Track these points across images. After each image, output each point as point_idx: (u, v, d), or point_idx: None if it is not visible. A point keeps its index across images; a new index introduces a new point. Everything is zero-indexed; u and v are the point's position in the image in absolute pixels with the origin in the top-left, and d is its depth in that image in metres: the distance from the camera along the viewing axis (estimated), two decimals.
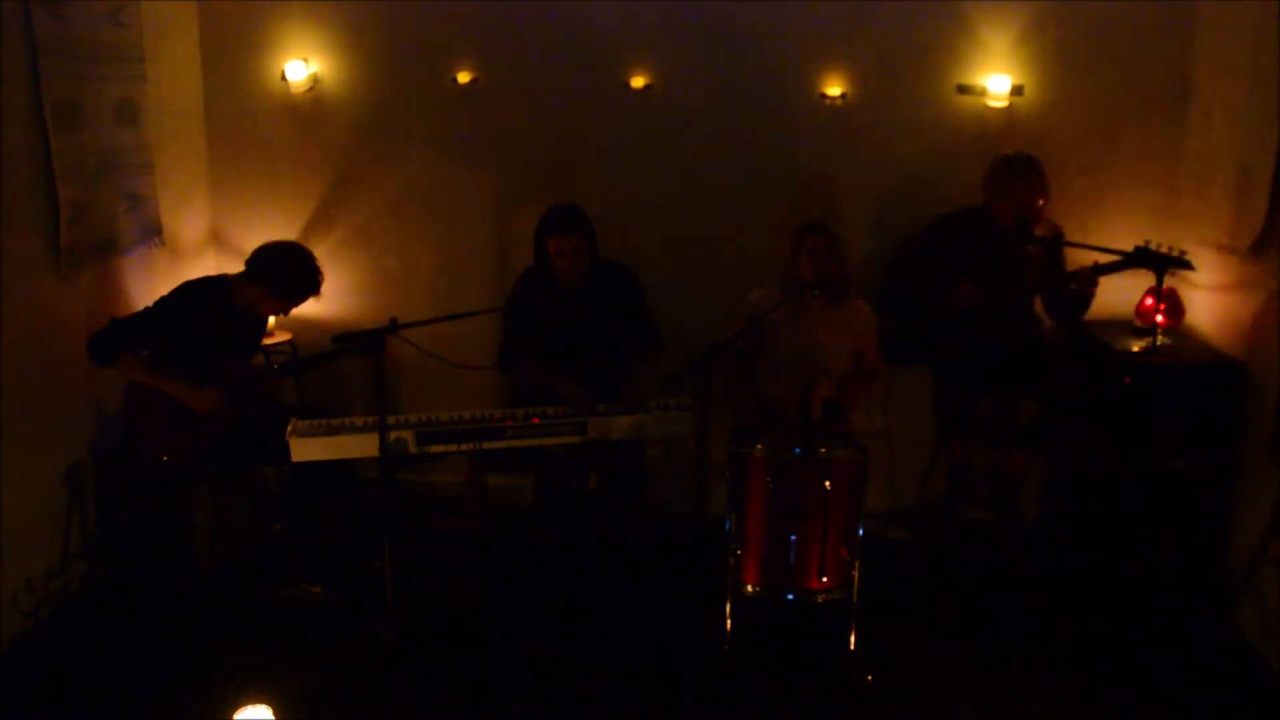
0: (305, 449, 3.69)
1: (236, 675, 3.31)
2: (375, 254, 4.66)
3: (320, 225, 4.62)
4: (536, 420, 3.76)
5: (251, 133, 4.60)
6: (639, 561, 4.05)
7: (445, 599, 3.88)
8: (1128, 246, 3.84)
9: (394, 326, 3.41)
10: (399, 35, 4.46)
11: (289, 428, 3.72)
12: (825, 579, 3.29)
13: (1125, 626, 3.72)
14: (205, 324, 3.73)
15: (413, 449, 3.70)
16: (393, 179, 4.59)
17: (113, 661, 3.47)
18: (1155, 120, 4.22)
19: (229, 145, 4.64)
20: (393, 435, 3.59)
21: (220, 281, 3.83)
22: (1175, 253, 3.76)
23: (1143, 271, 3.84)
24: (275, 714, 2.79)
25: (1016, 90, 4.22)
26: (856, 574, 3.34)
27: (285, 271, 3.80)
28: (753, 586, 3.35)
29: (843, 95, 4.32)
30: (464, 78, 4.44)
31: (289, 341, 4.52)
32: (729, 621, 3.41)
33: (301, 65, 4.46)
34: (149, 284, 4.17)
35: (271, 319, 4.26)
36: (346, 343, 3.42)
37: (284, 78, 4.48)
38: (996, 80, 4.21)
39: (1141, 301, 4.08)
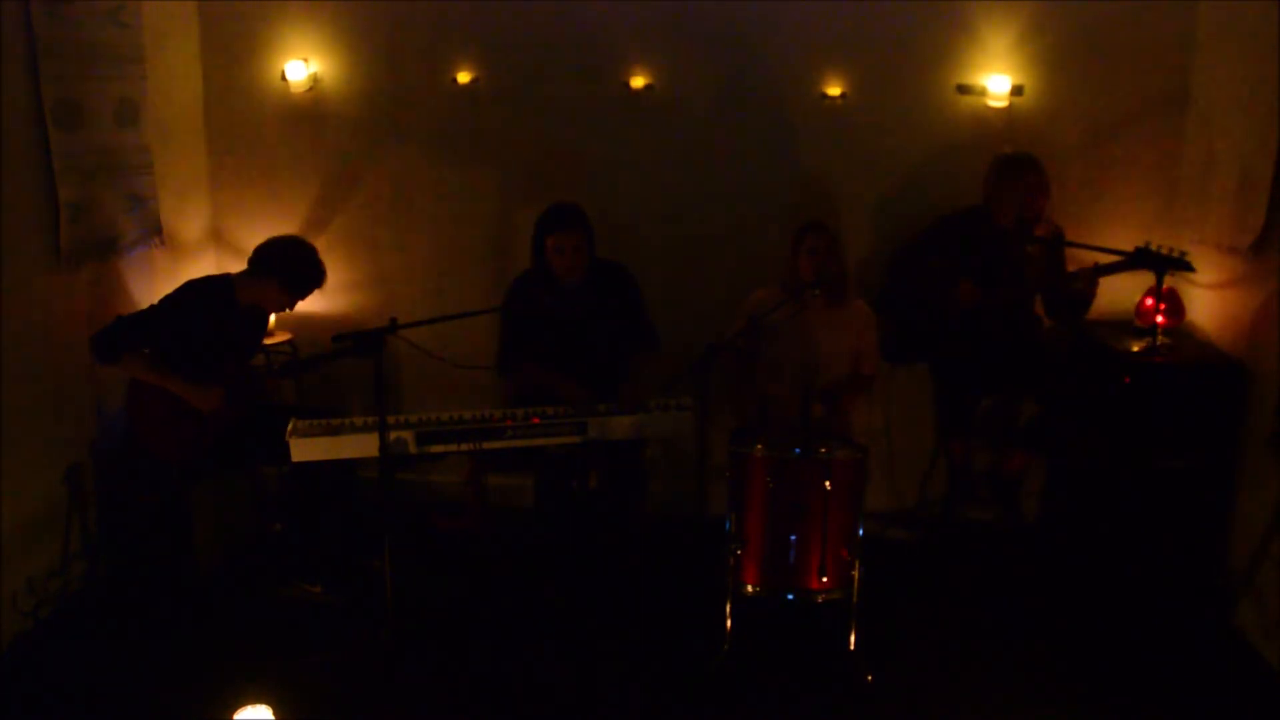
0: (305, 449, 3.69)
1: (236, 675, 3.31)
2: (375, 254, 4.66)
3: (320, 225, 4.62)
4: (536, 420, 3.75)
5: (251, 133, 4.61)
6: (639, 561, 4.05)
7: (445, 599, 3.88)
8: (1128, 246, 3.84)
9: (394, 326, 3.41)
10: (399, 35, 4.46)
11: (289, 428, 3.72)
12: (825, 579, 3.28)
13: (1125, 626, 3.72)
14: (208, 323, 3.73)
15: (413, 449, 3.70)
16: (392, 179, 4.59)
17: (113, 661, 3.47)
18: (1155, 120, 4.22)
19: (229, 145, 4.64)
20: (393, 435, 3.59)
21: (223, 280, 3.84)
22: (1176, 254, 3.76)
23: (1143, 271, 3.84)
24: (275, 714, 2.79)
25: (1016, 90, 4.22)
26: (856, 574, 3.34)
27: (295, 265, 3.82)
28: (753, 586, 3.35)
29: (843, 95, 4.32)
30: (464, 78, 4.44)
31: (289, 341, 4.52)
32: (729, 621, 3.41)
33: (301, 65, 4.46)
34: (149, 284, 4.18)
35: (272, 318, 4.26)
36: (346, 343, 3.42)
37: (284, 78, 4.48)
38: (996, 80, 4.21)
39: (1142, 301, 4.08)
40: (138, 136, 4.10)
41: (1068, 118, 4.26)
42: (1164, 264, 3.77)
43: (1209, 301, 4.02)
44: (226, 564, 4.04)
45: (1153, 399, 3.79)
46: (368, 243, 4.65)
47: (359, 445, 3.68)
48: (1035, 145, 4.09)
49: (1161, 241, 3.81)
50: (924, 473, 4.45)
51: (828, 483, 3.25)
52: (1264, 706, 3.35)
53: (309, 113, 4.55)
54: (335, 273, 4.32)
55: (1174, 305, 4.01)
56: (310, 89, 4.51)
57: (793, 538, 3.29)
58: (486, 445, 3.72)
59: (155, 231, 4.25)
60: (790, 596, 3.34)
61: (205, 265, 4.55)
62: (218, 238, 4.71)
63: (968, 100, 4.27)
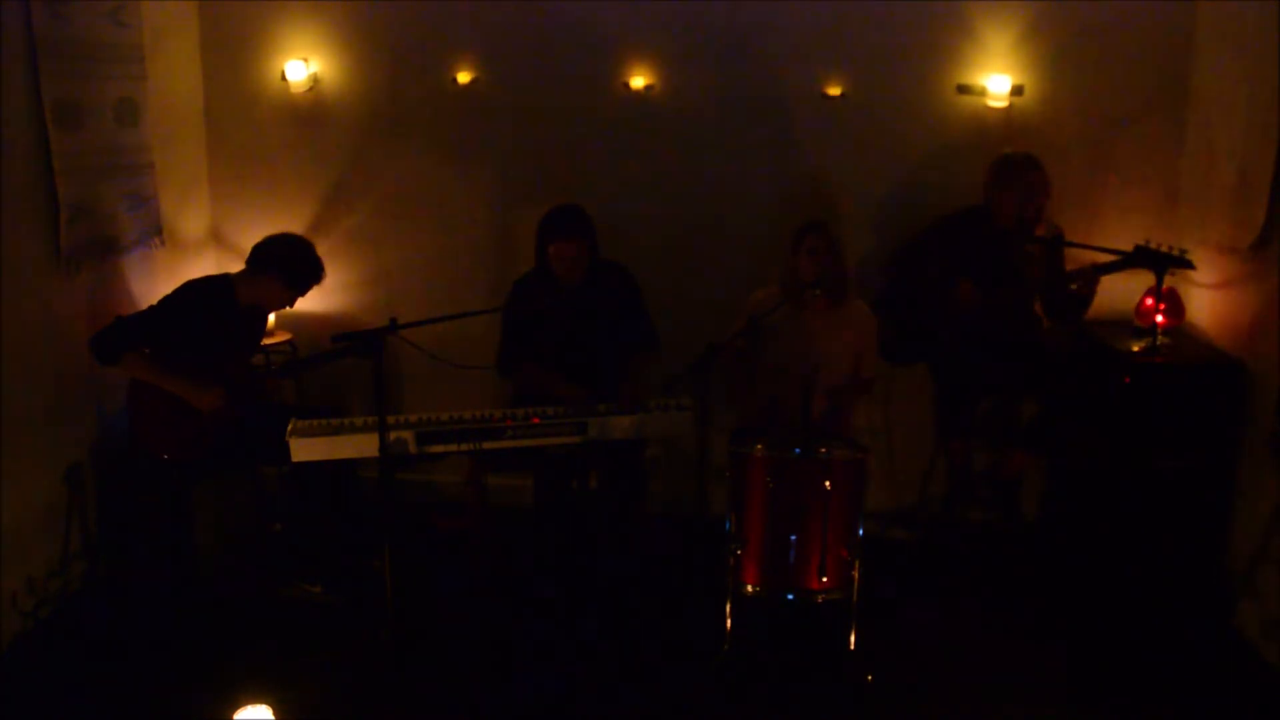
0: (305, 449, 3.69)
1: (236, 675, 3.31)
2: (375, 253, 4.66)
3: (320, 225, 4.62)
4: (536, 420, 3.75)
5: (251, 132, 4.61)
6: (639, 561, 4.04)
7: (445, 599, 3.88)
8: (1128, 246, 3.84)
9: (394, 326, 3.41)
10: (399, 35, 4.46)
11: (289, 428, 3.72)
12: (825, 579, 3.29)
13: (1125, 626, 3.72)
14: (209, 322, 3.73)
15: (413, 449, 3.70)
16: (392, 179, 4.59)
17: (113, 661, 3.47)
18: (1155, 120, 4.22)
19: (229, 145, 4.64)
20: (393, 435, 3.59)
21: (223, 280, 3.83)
22: (1175, 252, 3.76)
23: (1143, 271, 3.84)
24: (275, 714, 2.79)
25: (1016, 90, 4.22)
26: (856, 574, 3.34)
27: (294, 261, 3.83)
28: (753, 586, 3.35)
29: (843, 95, 4.32)
30: (464, 78, 4.44)
31: (289, 341, 4.52)
32: (729, 621, 3.41)
33: (301, 65, 4.46)
34: (149, 283, 4.18)
35: (272, 318, 4.26)
36: (346, 343, 3.42)
37: (284, 78, 4.48)
38: (996, 80, 4.21)
39: (1141, 301, 4.08)
40: (138, 136, 4.10)
41: (1068, 118, 4.26)
42: (1163, 261, 3.76)
43: (1209, 301, 4.02)
44: (226, 564, 4.03)
45: (1153, 399, 3.79)
46: (368, 242, 4.65)
47: (359, 445, 3.68)
48: (1035, 145, 4.09)
49: (1161, 241, 3.81)
50: (924, 473, 4.45)
51: (828, 483, 3.25)
52: (1264, 706, 3.35)
53: (309, 113, 4.55)
54: (335, 272, 4.33)
55: (1174, 305, 4.01)
56: (310, 89, 4.51)
57: (793, 538, 3.29)
58: (486, 445, 3.72)
59: (155, 231, 4.25)
60: (790, 596, 3.34)
61: (205, 265, 4.55)
62: (218, 238, 4.71)
63: (968, 100, 4.27)
